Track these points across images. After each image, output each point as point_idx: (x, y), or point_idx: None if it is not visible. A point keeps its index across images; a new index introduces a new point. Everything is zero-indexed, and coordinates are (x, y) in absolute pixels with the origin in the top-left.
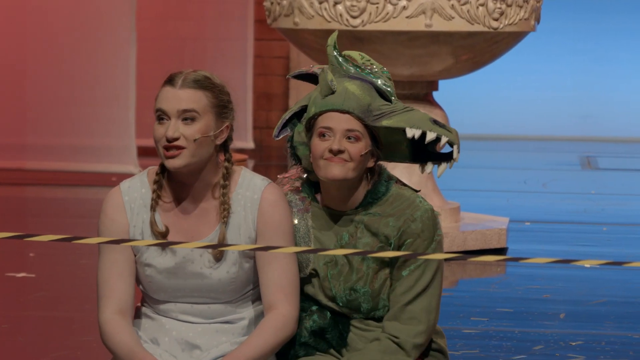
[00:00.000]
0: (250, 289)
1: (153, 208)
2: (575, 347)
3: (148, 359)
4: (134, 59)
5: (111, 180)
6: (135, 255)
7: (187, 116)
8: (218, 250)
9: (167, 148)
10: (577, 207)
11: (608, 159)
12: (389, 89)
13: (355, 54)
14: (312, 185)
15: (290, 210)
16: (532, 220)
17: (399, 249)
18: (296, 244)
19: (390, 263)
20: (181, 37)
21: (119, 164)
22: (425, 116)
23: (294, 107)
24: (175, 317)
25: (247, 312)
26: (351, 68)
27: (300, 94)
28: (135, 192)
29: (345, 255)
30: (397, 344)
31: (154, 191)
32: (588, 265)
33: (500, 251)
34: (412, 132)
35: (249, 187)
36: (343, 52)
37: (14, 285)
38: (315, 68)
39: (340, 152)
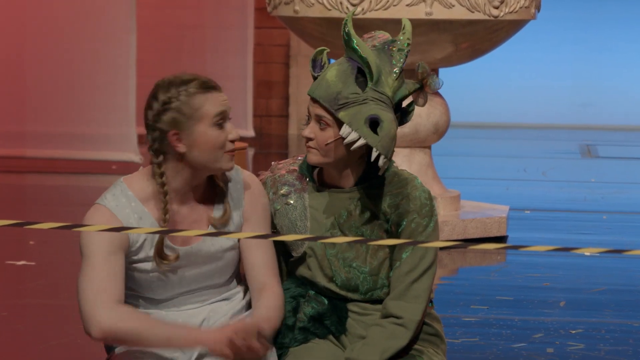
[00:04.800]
0: (237, 266)
1: (165, 234)
2: (575, 335)
3: (206, 336)
4: (134, 47)
5: (111, 168)
6: (132, 263)
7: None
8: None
9: (232, 150)
10: (577, 195)
11: (608, 147)
12: (371, 77)
13: (407, 23)
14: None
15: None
16: (532, 209)
17: (397, 226)
18: (292, 223)
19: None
20: (181, 25)
21: (120, 152)
22: (368, 112)
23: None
24: (176, 310)
25: (239, 287)
26: (353, 48)
27: (301, 82)
28: (126, 208)
29: (343, 232)
30: (401, 324)
31: (165, 212)
32: (588, 254)
33: (500, 239)
34: (343, 130)
35: (231, 180)
36: (403, 18)
37: (14, 273)
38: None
39: (309, 139)
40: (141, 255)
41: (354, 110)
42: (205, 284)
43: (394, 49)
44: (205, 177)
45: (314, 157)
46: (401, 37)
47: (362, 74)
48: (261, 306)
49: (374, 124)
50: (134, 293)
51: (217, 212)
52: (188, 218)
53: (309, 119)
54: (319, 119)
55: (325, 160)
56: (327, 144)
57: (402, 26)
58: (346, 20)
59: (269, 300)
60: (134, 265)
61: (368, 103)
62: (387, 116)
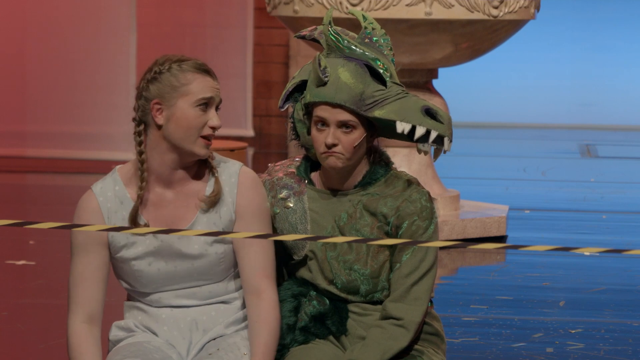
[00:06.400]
0: (236, 268)
1: (140, 199)
2: (575, 334)
3: None
4: (134, 46)
5: (112, 167)
6: (117, 253)
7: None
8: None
9: (208, 137)
10: (576, 195)
11: (607, 147)
12: (385, 70)
13: (358, 14)
14: (308, 166)
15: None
16: (532, 208)
17: (397, 229)
18: (293, 227)
19: (391, 245)
20: (181, 24)
21: (120, 151)
22: (417, 104)
23: (296, 78)
24: (169, 304)
25: (237, 290)
26: (349, 47)
27: None
28: (109, 191)
29: (343, 235)
30: (401, 325)
31: (142, 180)
32: (587, 253)
33: (500, 239)
34: (402, 127)
35: (224, 171)
36: (349, 10)
37: (14, 273)
38: (318, 33)
39: (334, 145)
40: (122, 242)
41: (395, 106)
42: (191, 282)
43: (375, 38)
44: (194, 165)
45: (340, 162)
46: (372, 27)
47: (370, 70)
48: (259, 321)
49: (428, 113)
50: (130, 289)
51: (208, 188)
52: (173, 203)
53: (320, 125)
54: (343, 124)
55: (349, 162)
56: (355, 146)
57: (363, 17)
58: (330, 21)
59: (264, 312)
60: (118, 255)
61: (408, 96)
62: (432, 104)
